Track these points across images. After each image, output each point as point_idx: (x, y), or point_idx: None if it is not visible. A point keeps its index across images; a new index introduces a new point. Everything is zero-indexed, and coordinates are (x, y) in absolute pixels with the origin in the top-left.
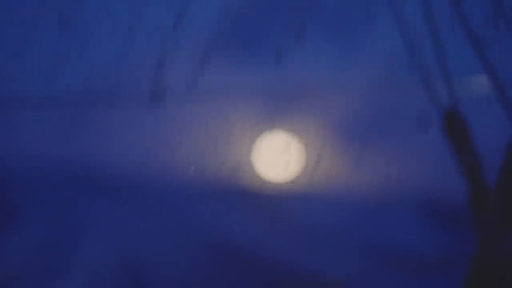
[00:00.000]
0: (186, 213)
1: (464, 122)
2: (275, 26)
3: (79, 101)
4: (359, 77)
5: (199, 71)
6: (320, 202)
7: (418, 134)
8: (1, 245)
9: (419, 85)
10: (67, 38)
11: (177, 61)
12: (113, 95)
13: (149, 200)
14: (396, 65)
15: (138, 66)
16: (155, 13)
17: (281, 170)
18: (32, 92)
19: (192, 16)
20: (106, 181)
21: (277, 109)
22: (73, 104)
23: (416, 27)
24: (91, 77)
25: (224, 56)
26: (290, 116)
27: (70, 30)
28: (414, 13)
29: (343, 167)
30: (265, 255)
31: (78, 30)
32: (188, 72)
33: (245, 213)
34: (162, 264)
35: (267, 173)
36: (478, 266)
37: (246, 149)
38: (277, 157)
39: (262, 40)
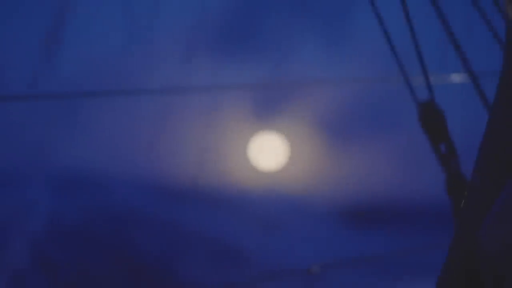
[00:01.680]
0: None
1: (441, 114)
2: (265, 24)
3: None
4: (341, 74)
5: (187, 67)
6: (291, 199)
7: (400, 132)
8: None
9: (398, 80)
10: (62, 34)
11: (169, 57)
12: (104, 88)
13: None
14: (377, 62)
15: (128, 62)
16: (148, 10)
17: (257, 168)
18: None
19: (182, 13)
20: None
21: (262, 106)
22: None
23: (396, 25)
24: (79, 74)
25: (213, 53)
26: (271, 114)
27: (65, 28)
28: (394, 11)
29: (323, 165)
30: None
31: (73, 28)
32: (178, 68)
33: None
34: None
35: (247, 169)
36: (454, 255)
37: (231, 146)
38: (256, 154)
39: (252, 38)
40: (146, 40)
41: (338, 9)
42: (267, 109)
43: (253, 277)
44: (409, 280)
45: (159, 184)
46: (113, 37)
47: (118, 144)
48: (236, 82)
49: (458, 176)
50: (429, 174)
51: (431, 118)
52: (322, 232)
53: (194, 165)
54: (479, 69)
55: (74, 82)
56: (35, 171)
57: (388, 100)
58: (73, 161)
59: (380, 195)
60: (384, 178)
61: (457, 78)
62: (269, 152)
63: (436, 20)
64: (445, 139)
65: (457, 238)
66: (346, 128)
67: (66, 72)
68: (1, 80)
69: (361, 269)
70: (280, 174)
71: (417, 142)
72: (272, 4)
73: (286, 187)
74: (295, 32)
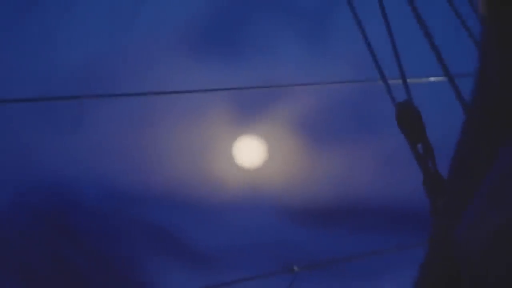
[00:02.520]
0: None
1: (418, 114)
2: (247, 29)
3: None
4: (321, 76)
5: (171, 69)
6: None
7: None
8: None
9: (377, 82)
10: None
11: (151, 61)
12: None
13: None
14: (356, 64)
15: (110, 66)
16: (131, 15)
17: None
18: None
19: (164, 18)
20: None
21: (243, 108)
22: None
23: (374, 27)
24: (61, 78)
25: (195, 57)
26: (252, 115)
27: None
28: (373, 15)
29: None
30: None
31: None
32: (160, 71)
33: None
34: None
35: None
36: (432, 254)
37: (210, 147)
38: (235, 155)
39: (234, 42)
40: (128, 45)
41: (318, 14)
42: (248, 110)
43: (238, 278)
44: (385, 280)
45: (132, 186)
46: (94, 42)
47: (91, 145)
48: (217, 85)
49: (435, 175)
50: (407, 174)
51: (408, 118)
52: (301, 234)
53: (170, 166)
54: (456, 69)
55: (56, 86)
56: (11, 170)
57: (366, 101)
58: (51, 163)
59: (358, 196)
60: (362, 179)
61: (434, 78)
62: (248, 153)
63: (415, 25)
64: (422, 139)
65: (434, 237)
66: (325, 129)
67: (48, 76)
68: None
69: (340, 270)
70: (259, 175)
71: (395, 142)
72: (254, 9)
73: (264, 189)
74: (277, 36)
